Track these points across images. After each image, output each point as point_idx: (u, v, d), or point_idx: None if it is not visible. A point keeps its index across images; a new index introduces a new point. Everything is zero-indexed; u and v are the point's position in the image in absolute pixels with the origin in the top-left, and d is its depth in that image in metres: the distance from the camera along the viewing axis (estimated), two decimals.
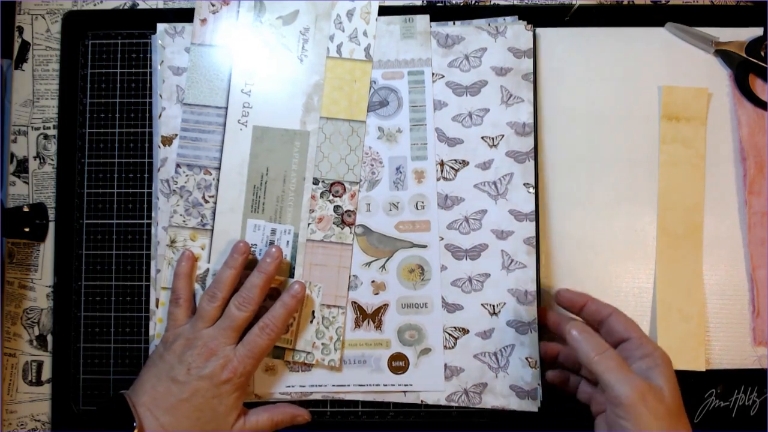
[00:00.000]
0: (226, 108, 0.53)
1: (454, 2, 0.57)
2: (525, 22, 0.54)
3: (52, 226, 0.56)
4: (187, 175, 0.53)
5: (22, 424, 0.55)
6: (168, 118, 0.54)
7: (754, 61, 0.54)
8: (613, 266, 0.54)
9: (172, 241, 0.53)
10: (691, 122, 0.55)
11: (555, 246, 0.54)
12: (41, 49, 0.57)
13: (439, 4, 0.57)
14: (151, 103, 0.56)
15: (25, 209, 0.55)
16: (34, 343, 0.55)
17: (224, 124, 0.53)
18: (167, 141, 0.54)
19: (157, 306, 0.53)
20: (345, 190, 0.53)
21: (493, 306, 0.52)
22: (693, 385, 0.54)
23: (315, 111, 0.53)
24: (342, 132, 0.53)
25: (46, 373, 0.55)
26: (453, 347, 0.52)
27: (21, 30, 0.57)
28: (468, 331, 0.52)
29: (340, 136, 0.53)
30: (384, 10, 0.55)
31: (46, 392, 0.55)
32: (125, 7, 0.57)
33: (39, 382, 0.55)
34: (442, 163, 0.54)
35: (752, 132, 0.55)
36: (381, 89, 0.54)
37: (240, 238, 0.53)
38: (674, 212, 0.55)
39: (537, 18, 0.56)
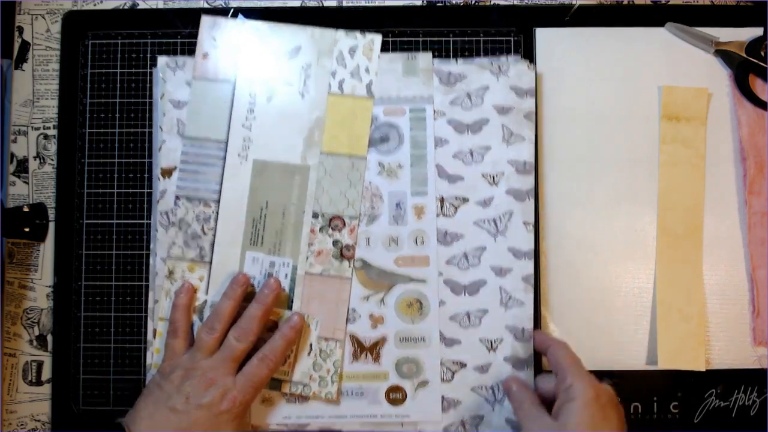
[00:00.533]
0: (227, 142, 0.53)
1: (454, 2, 0.57)
2: (528, 61, 0.54)
3: (52, 226, 0.56)
4: (186, 208, 0.53)
5: (22, 424, 0.55)
6: (168, 150, 0.54)
7: (754, 61, 0.54)
8: (613, 266, 0.54)
9: (171, 273, 0.53)
10: (691, 122, 0.55)
11: (555, 246, 0.54)
12: (41, 49, 0.57)
13: (439, 4, 0.57)
14: (150, 134, 0.56)
15: (25, 209, 0.55)
16: (34, 343, 0.55)
17: (224, 158, 0.53)
18: (167, 173, 0.54)
19: (154, 336, 0.53)
20: (344, 224, 0.53)
21: (491, 341, 0.53)
22: (693, 385, 0.54)
23: (316, 146, 0.53)
24: (342, 167, 0.53)
25: (46, 373, 0.55)
26: (450, 380, 0.53)
27: (21, 30, 0.57)
28: (465, 365, 0.53)
29: (341, 171, 0.53)
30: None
31: (46, 392, 0.55)
32: (125, 7, 0.57)
33: (39, 382, 0.55)
34: (442, 200, 0.54)
35: (752, 132, 0.55)
36: (382, 125, 0.54)
37: (239, 270, 0.53)
38: (674, 212, 0.55)
39: (537, 18, 0.56)
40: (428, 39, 0.56)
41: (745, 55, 0.55)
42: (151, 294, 0.54)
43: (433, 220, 0.53)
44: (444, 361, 0.53)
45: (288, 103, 0.54)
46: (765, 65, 0.54)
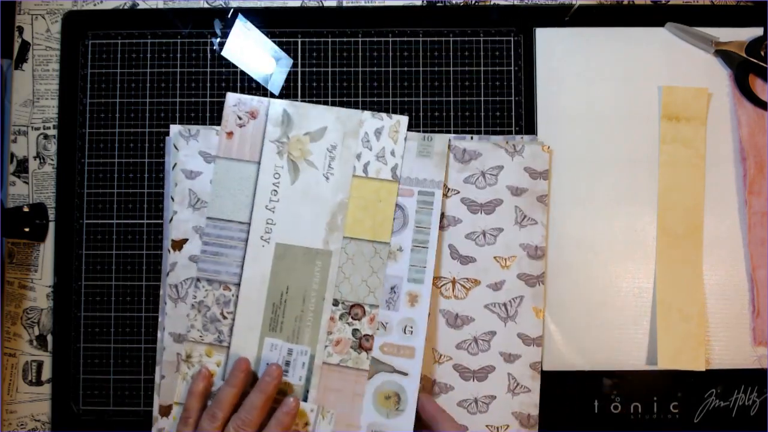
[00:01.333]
0: (249, 224, 0.52)
1: (454, 2, 0.57)
2: (542, 143, 0.54)
3: (52, 226, 0.56)
4: (206, 290, 0.52)
5: (22, 424, 0.55)
6: (179, 222, 0.53)
7: (754, 61, 0.54)
8: (613, 266, 0.54)
9: (188, 356, 0.51)
10: (691, 122, 0.55)
11: (555, 246, 0.54)
12: (41, 49, 0.57)
13: (439, 4, 0.57)
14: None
15: (25, 209, 0.55)
16: (34, 343, 0.55)
17: (246, 240, 0.52)
18: (177, 245, 0.53)
19: (160, 414, 0.52)
20: (364, 313, 0.51)
21: (497, 428, 0.52)
22: (693, 385, 0.54)
23: (338, 230, 0.52)
24: (365, 253, 0.52)
25: (46, 373, 0.55)
26: None
27: (21, 30, 0.57)
28: None
29: (363, 257, 0.52)
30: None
31: (46, 392, 0.55)
32: (125, 7, 0.57)
33: (39, 382, 0.55)
34: (453, 281, 0.53)
35: (752, 132, 0.55)
36: None
37: (257, 356, 0.51)
38: (674, 212, 0.55)
39: (537, 18, 0.56)
40: (428, 39, 0.56)
41: (745, 55, 0.55)
42: (157, 369, 0.53)
43: (425, 310, 0.52)
44: None
45: (312, 185, 0.52)
46: (765, 65, 0.54)
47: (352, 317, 0.51)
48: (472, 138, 0.55)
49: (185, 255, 0.53)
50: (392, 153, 0.52)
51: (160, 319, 0.53)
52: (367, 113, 0.53)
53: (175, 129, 0.54)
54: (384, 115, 0.53)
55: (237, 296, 0.52)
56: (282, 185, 0.52)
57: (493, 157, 0.54)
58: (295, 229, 0.52)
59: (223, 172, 0.53)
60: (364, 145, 0.52)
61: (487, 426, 0.52)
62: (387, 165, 0.52)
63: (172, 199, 0.53)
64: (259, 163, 0.53)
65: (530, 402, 0.52)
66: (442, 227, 0.53)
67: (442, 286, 0.53)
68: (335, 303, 0.51)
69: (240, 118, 0.53)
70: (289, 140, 0.53)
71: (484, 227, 0.53)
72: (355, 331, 0.51)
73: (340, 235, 0.52)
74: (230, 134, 0.53)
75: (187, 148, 0.53)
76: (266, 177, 0.52)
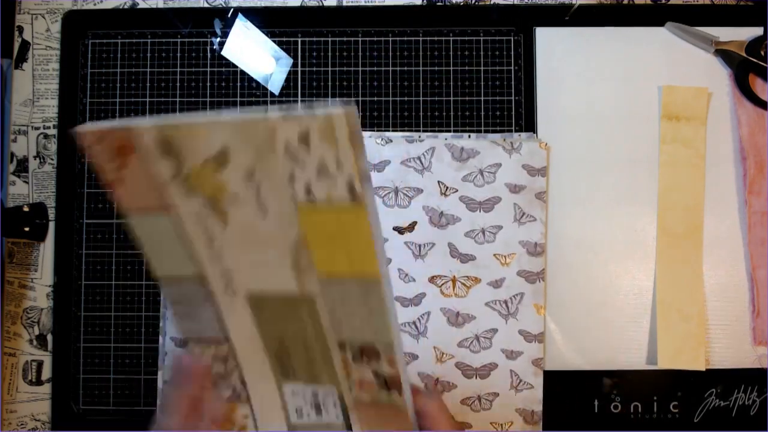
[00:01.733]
0: (204, 276, 0.38)
1: (454, 2, 0.57)
2: (540, 140, 0.54)
3: (52, 225, 0.56)
4: (201, 350, 0.42)
5: (22, 424, 0.55)
6: None
7: (754, 60, 0.54)
8: (613, 266, 0.54)
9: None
10: (691, 122, 0.55)
11: (555, 246, 0.54)
12: (41, 48, 0.57)
13: (439, 4, 0.57)
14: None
15: (25, 209, 0.55)
16: (34, 342, 0.55)
17: (211, 294, 0.39)
18: None
19: None
20: (379, 355, 0.40)
21: (501, 425, 0.53)
22: (693, 385, 0.54)
23: (309, 271, 0.37)
24: (352, 293, 0.37)
25: (46, 372, 0.55)
26: None
27: (21, 30, 0.57)
28: None
29: (352, 298, 0.37)
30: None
31: (46, 392, 0.55)
32: (125, 7, 0.57)
33: (39, 382, 0.55)
34: (454, 279, 0.53)
35: (752, 132, 0.55)
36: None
37: (281, 404, 0.44)
38: (674, 212, 0.54)
39: (537, 18, 0.56)
40: (428, 39, 0.56)
41: (745, 55, 0.55)
42: (159, 374, 0.53)
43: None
44: None
45: (248, 227, 0.36)
46: (765, 65, 0.54)
47: (366, 360, 0.41)
48: (469, 136, 0.55)
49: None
50: (338, 164, 0.32)
51: (161, 325, 0.53)
52: (278, 114, 0.32)
53: None
54: (305, 110, 0.31)
55: (234, 349, 0.42)
56: (215, 233, 0.37)
57: (491, 155, 0.54)
58: (260, 276, 0.38)
59: (139, 228, 0.38)
60: (291, 162, 0.33)
61: (491, 423, 0.53)
62: (336, 182, 0.33)
63: None
64: (169, 214, 0.36)
65: (533, 398, 0.53)
66: (441, 226, 0.53)
67: (442, 284, 0.53)
68: (341, 347, 0.40)
69: (114, 160, 0.35)
70: (191, 173, 0.35)
71: (483, 225, 0.54)
72: (376, 373, 0.41)
73: (313, 276, 0.37)
74: (115, 183, 0.35)
75: None
76: (189, 227, 0.37)
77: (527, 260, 0.53)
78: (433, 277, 0.53)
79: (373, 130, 0.56)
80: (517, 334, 0.53)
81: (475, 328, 0.53)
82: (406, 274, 0.54)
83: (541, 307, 0.53)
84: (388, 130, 0.55)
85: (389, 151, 0.54)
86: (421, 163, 0.54)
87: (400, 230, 0.54)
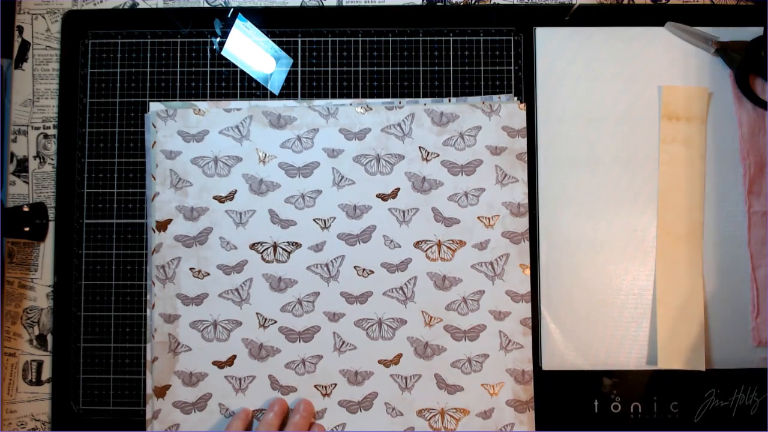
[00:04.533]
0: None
1: (454, 2, 0.57)
2: (518, 100, 0.55)
3: (52, 225, 0.56)
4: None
5: (22, 424, 0.55)
6: (161, 203, 0.53)
7: (755, 60, 0.54)
8: (613, 266, 0.54)
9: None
10: (691, 122, 0.55)
11: (555, 246, 0.54)
12: (41, 48, 0.57)
13: (439, 4, 0.57)
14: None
15: (25, 209, 0.55)
16: (34, 342, 0.55)
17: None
18: (162, 226, 0.53)
19: (156, 395, 0.53)
20: None
21: (492, 386, 0.53)
22: (693, 385, 0.54)
23: None
24: None
25: (46, 372, 0.55)
26: (455, 429, 0.53)
27: (21, 29, 0.57)
28: (469, 412, 0.53)
29: None
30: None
31: (46, 392, 0.55)
32: (125, 7, 0.57)
33: (39, 382, 0.55)
34: (439, 243, 0.54)
35: (752, 132, 0.55)
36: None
37: None
38: (674, 212, 0.54)
39: (537, 18, 0.56)
40: (428, 38, 0.56)
41: (745, 55, 0.55)
42: (148, 347, 0.54)
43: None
44: (447, 409, 0.53)
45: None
46: (765, 65, 0.54)
47: None
48: (449, 101, 0.55)
49: (170, 235, 0.53)
50: None
51: (147, 298, 0.54)
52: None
53: (154, 107, 0.54)
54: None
55: None
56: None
57: (471, 118, 0.54)
58: None
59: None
60: None
61: (482, 385, 0.53)
62: None
63: (153, 178, 0.53)
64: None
65: (523, 358, 0.53)
66: (424, 191, 0.54)
67: (427, 249, 0.54)
68: None
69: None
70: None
71: (466, 188, 0.54)
72: None
73: None
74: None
75: (166, 128, 0.54)
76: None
77: (511, 221, 0.54)
78: (418, 242, 0.53)
79: (353, 98, 0.56)
80: (504, 295, 0.53)
81: (463, 291, 0.53)
82: (392, 240, 0.54)
83: (527, 266, 0.54)
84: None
85: (369, 118, 0.54)
86: (402, 130, 0.54)
87: (383, 197, 0.54)
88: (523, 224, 0.54)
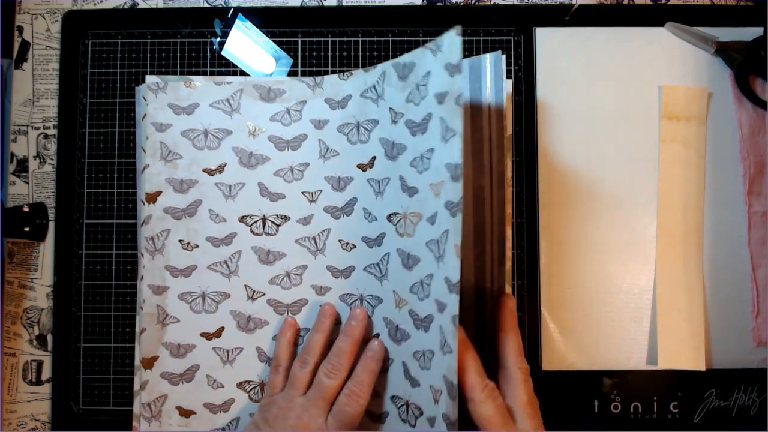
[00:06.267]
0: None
1: (454, 2, 0.57)
2: (459, 27, 0.40)
3: (52, 225, 0.56)
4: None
5: (22, 424, 0.55)
6: (151, 174, 0.53)
7: (754, 60, 0.54)
8: (613, 266, 0.54)
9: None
10: (691, 122, 0.55)
11: (555, 246, 0.54)
12: (41, 48, 0.57)
13: (439, 4, 0.57)
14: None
15: (25, 209, 0.55)
16: (34, 342, 0.55)
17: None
18: (151, 198, 0.53)
19: (144, 366, 0.52)
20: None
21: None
22: (693, 385, 0.54)
23: None
24: None
25: (46, 372, 0.55)
26: None
27: (21, 29, 0.57)
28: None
29: None
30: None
31: (46, 392, 0.55)
32: (125, 7, 0.57)
33: (39, 382, 0.55)
34: (390, 216, 0.48)
35: (752, 132, 0.55)
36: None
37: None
38: (674, 212, 0.55)
39: (537, 18, 0.56)
40: (428, 39, 0.56)
41: (745, 55, 0.55)
42: (138, 318, 0.53)
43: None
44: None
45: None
46: (765, 65, 0.54)
47: None
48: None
49: (159, 207, 0.53)
50: None
51: (138, 270, 0.54)
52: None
53: (150, 80, 0.54)
54: None
55: None
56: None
57: (424, 63, 0.45)
58: None
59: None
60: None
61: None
62: None
63: (144, 150, 0.53)
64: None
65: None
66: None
67: (397, 222, 0.48)
68: None
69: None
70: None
71: (423, 151, 0.44)
72: None
73: None
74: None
75: (156, 101, 0.53)
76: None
77: (452, 187, 0.41)
78: (389, 215, 0.48)
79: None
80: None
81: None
82: (370, 213, 0.50)
83: (458, 246, 0.41)
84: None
85: (350, 84, 0.53)
86: (376, 92, 0.51)
87: (362, 167, 0.51)
88: (456, 190, 0.41)
